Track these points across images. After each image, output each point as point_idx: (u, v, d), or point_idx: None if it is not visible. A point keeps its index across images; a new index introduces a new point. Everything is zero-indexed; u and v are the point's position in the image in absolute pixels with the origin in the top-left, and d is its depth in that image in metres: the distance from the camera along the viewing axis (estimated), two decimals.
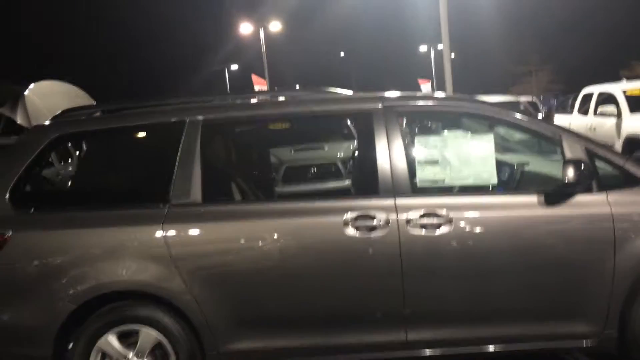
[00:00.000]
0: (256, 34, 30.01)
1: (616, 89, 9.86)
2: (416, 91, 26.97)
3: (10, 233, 3.14)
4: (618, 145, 9.20)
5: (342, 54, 62.00)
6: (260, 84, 26.97)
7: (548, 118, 10.91)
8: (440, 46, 15.25)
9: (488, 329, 3.13)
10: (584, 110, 10.78)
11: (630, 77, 13.80)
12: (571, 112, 11.37)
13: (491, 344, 3.15)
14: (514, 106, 11.06)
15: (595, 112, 10.19)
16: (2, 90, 3.63)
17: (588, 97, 10.78)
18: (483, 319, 3.12)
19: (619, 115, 9.38)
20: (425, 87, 32.30)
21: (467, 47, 45.59)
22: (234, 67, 45.22)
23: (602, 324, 3.10)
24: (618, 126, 9.29)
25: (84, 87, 5.75)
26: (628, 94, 9.57)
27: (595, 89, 10.68)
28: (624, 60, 25.23)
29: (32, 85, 3.58)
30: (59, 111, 3.63)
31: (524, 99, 15.60)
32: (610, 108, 9.54)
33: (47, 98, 3.68)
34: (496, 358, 3.42)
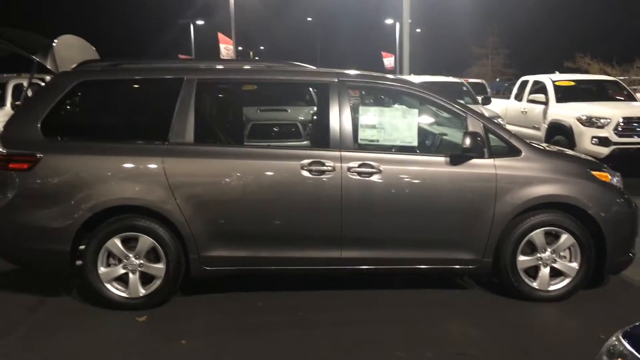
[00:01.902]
0: None
1: (547, 79, 11.14)
2: (380, 63, 27.82)
3: (41, 155, 4.04)
4: (543, 129, 10.52)
5: (309, 19, 62.24)
6: (226, 43, 27.31)
7: (487, 100, 12.11)
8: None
9: (401, 253, 4.25)
10: (520, 96, 12.05)
11: (573, 70, 15.17)
12: (509, 97, 12.65)
13: (403, 264, 4.29)
14: (457, 87, 12.18)
15: (528, 99, 11.48)
16: (35, 40, 4.41)
17: (524, 85, 12.05)
18: (398, 245, 4.24)
19: (546, 103, 10.67)
20: (388, 60, 33.26)
21: (434, 23, 46.61)
22: (200, 22, 44.93)
23: (482, 254, 4.28)
24: (545, 112, 10.60)
25: None
26: (557, 84, 10.87)
27: (530, 78, 11.95)
28: (570, 52, 26.87)
29: (58, 38, 4.38)
30: (78, 62, 4.50)
31: (470, 80, 16.84)
32: (540, 96, 10.82)
33: (69, 49, 4.45)
34: (405, 274, 4.58)
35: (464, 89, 12.18)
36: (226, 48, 26.97)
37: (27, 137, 4.11)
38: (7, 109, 9.11)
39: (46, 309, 4.23)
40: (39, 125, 4.11)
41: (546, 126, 10.41)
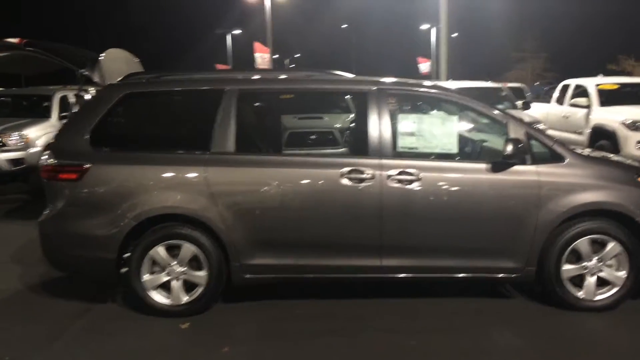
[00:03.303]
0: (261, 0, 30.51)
1: (590, 82, 10.87)
2: (415, 68, 27.68)
3: (89, 165, 4.17)
4: (586, 133, 10.27)
5: (344, 25, 62.47)
6: (262, 52, 27.62)
7: (527, 105, 11.90)
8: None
9: (442, 261, 4.22)
10: (561, 100, 11.80)
11: (616, 72, 14.76)
12: (549, 101, 12.40)
13: (443, 273, 4.25)
14: (495, 91, 12.01)
15: (570, 103, 11.22)
16: (84, 54, 4.59)
17: (566, 88, 11.79)
18: (439, 253, 4.21)
19: (589, 106, 10.41)
20: (425, 65, 33.01)
21: (470, 27, 46.12)
22: (237, 32, 45.61)
23: (525, 262, 4.20)
24: (587, 116, 10.34)
25: None
26: (600, 88, 10.60)
27: (572, 82, 11.69)
28: (612, 55, 26.17)
29: (105, 52, 4.54)
30: (124, 74, 4.65)
31: (509, 85, 16.57)
32: (582, 100, 10.58)
33: (114, 63, 4.61)
34: (446, 283, 4.53)
35: (503, 94, 12.00)
36: (262, 57, 27.27)
37: (76, 148, 4.25)
38: (53, 121, 9.41)
39: (92, 315, 4.35)
40: (87, 136, 4.25)
41: (589, 131, 10.17)
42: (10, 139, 8.68)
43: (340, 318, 4.18)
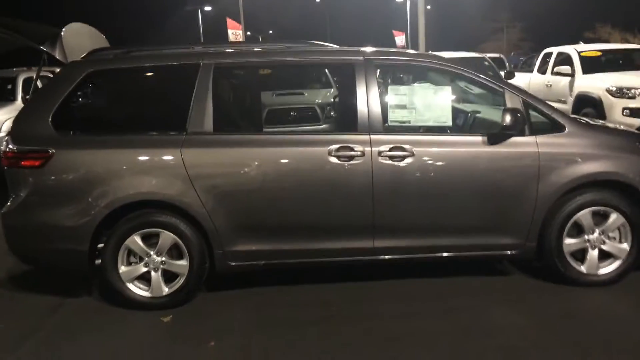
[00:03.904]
0: None
1: (572, 50, 10.69)
2: (390, 42, 27.44)
3: (53, 150, 3.82)
4: (570, 102, 10.12)
5: (317, 0, 61.45)
6: (234, 28, 26.95)
7: (510, 74, 11.69)
8: None
9: (438, 240, 3.99)
10: (543, 69, 11.61)
11: (593, 40, 14.65)
12: (532, 70, 12.22)
13: (440, 252, 4.03)
14: (479, 62, 11.78)
15: (552, 71, 11.05)
16: (43, 30, 4.16)
17: (548, 57, 11.60)
18: (434, 232, 3.98)
19: (572, 74, 10.24)
20: (400, 39, 32.65)
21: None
22: (208, 8, 44.49)
23: (525, 238, 4.00)
24: (571, 85, 10.18)
25: None
26: (582, 55, 10.43)
27: (554, 50, 11.50)
28: (590, 23, 26.08)
29: (66, 27, 4.13)
30: (87, 51, 4.26)
31: (490, 55, 16.37)
32: (565, 68, 10.40)
33: (77, 38, 4.20)
34: (442, 262, 4.32)
35: (486, 64, 11.77)
36: (234, 33, 26.63)
37: (37, 133, 3.89)
38: (18, 104, 8.92)
39: (66, 310, 4.04)
40: (49, 119, 3.88)
41: (573, 99, 10.01)
42: None
43: (333, 304, 3.94)
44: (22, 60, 9.03)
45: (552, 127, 4.01)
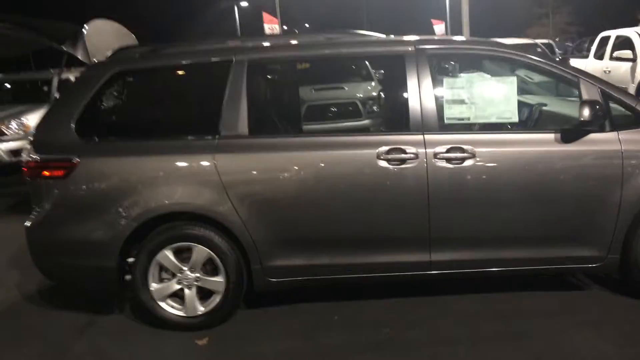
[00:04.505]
0: None
1: (633, 33, 9.91)
2: (429, 32, 26.71)
3: (77, 159, 3.51)
4: (632, 89, 9.37)
5: None
6: (271, 23, 26.65)
7: (564, 61, 10.96)
8: None
9: (503, 253, 3.51)
10: (600, 54, 10.85)
11: None
12: (587, 55, 11.44)
13: (506, 266, 3.54)
14: (531, 48, 11.08)
15: (611, 56, 10.28)
16: (62, 28, 3.86)
17: (605, 41, 10.83)
18: (500, 244, 3.50)
19: (634, 59, 9.48)
20: (439, 28, 31.71)
21: None
22: (244, 3, 44.30)
23: (607, 250, 3.48)
24: (633, 70, 9.42)
25: None
26: None
27: (612, 33, 10.72)
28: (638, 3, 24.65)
29: (88, 24, 3.83)
30: (113, 49, 3.93)
31: (540, 41, 15.53)
32: (627, 52, 9.64)
33: (101, 36, 3.92)
34: (508, 277, 3.83)
35: (539, 50, 11.07)
36: (271, 28, 26.34)
37: (61, 140, 3.59)
38: None
39: (95, 330, 3.75)
40: (73, 125, 3.58)
41: (636, 85, 9.25)
42: (10, 127, 8.09)
43: (388, 325, 3.51)
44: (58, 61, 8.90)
45: (636, 121, 3.47)
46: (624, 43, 9.93)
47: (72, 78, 9.40)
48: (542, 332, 3.32)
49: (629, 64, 9.54)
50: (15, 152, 8.07)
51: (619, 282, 3.72)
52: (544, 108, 4.02)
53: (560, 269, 3.61)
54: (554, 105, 3.99)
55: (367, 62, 8.40)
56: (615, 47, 10.18)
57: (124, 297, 4.00)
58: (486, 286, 3.87)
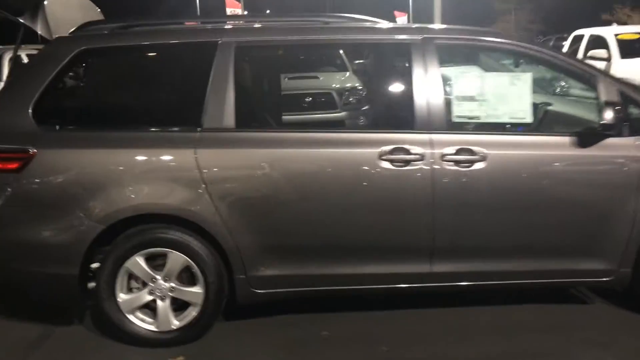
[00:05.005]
0: None
1: (608, 32, 9.91)
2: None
3: (35, 150, 3.03)
4: None
5: None
6: (234, 7, 25.89)
7: None
8: None
9: (512, 264, 3.24)
10: (572, 53, 10.82)
11: (612, 22, 13.86)
12: None
13: (513, 279, 3.28)
14: None
15: (585, 55, 10.25)
16: None
17: (578, 39, 10.81)
18: (508, 254, 3.22)
19: (609, 59, 9.46)
20: (402, 20, 31.65)
21: None
22: None
23: (618, 262, 3.25)
24: (607, 69, 9.39)
25: None
26: (619, 38, 9.63)
27: (586, 32, 10.70)
28: (606, 4, 25.11)
29: None
30: (77, 24, 3.44)
31: None
32: (601, 51, 9.61)
33: (65, 9, 3.41)
34: (513, 290, 3.57)
35: None
36: (233, 12, 25.61)
37: (15, 127, 3.10)
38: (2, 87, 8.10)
39: (52, 344, 3.29)
40: (30, 110, 3.09)
41: None
42: None
43: (382, 341, 3.19)
44: (8, 36, 8.17)
45: None
46: (598, 42, 9.91)
47: (24, 56, 8.67)
48: (549, 352, 3.07)
49: (603, 64, 9.51)
50: None
51: (622, 295, 3.51)
52: (549, 108, 3.76)
53: (568, 283, 3.39)
54: (560, 106, 3.74)
55: (341, 52, 8.05)
56: (589, 46, 10.16)
57: (84, 304, 3.54)
58: (483, 299, 3.59)
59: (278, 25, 3.52)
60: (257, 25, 3.52)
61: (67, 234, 3.06)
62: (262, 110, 3.54)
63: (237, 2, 26.53)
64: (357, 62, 8.05)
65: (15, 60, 3.51)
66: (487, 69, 4.08)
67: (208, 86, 3.13)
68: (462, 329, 3.33)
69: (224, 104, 3.12)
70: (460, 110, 3.22)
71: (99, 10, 3.96)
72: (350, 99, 7.00)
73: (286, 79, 6.97)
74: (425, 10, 14.55)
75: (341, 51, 8.16)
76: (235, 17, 3.06)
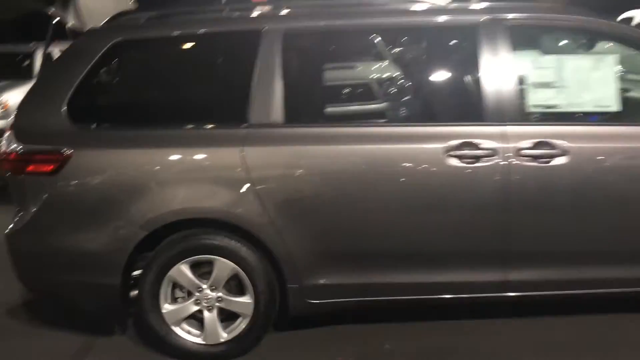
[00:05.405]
0: None
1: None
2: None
3: (70, 150, 2.80)
4: None
5: None
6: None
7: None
8: None
9: (598, 272, 2.89)
10: None
11: None
12: None
13: (598, 287, 2.93)
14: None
15: None
16: None
17: (626, 22, 10.19)
18: (594, 261, 2.88)
19: None
20: None
21: None
22: None
23: None
24: None
25: None
26: None
27: (636, 13, 10.06)
28: None
29: None
30: (111, 15, 3.21)
31: None
32: None
33: None
34: (594, 299, 3.21)
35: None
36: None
37: (49, 127, 2.88)
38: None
39: (94, 357, 3.08)
40: (63, 108, 2.86)
41: None
42: None
43: (463, 354, 2.88)
44: (39, 31, 8.04)
45: None
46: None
47: (56, 52, 8.55)
48: None
49: None
50: None
51: None
52: (629, 94, 3.36)
53: None
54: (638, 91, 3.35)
55: (379, 38, 7.62)
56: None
57: (126, 312, 3.31)
58: (564, 309, 3.23)
59: (331, 10, 3.20)
60: (305, 10, 3.21)
61: (105, 241, 2.84)
62: (312, 103, 3.24)
63: None
64: (398, 49, 7.63)
65: (47, 57, 3.30)
66: (546, 52, 3.71)
67: (253, 78, 2.85)
68: (543, 343, 2.98)
69: (271, 98, 2.84)
70: (537, 99, 2.87)
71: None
72: (404, 89, 6.54)
73: (342, 68, 6.58)
74: None
75: (379, 38, 7.77)
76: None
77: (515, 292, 2.92)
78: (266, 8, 3.32)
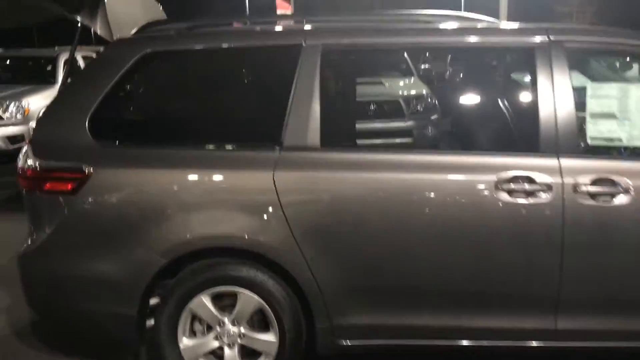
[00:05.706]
0: None
1: None
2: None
3: (91, 169, 2.61)
4: None
5: None
6: (284, 9, 25.64)
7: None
8: None
9: None
10: None
11: None
12: None
13: None
14: None
15: None
16: None
17: None
18: None
19: None
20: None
21: None
22: None
23: None
24: None
25: None
26: None
27: None
28: None
29: None
30: (140, 25, 3.03)
31: None
32: None
33: (127, 7, 3.03)
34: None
35: None
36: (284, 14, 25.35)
37: (70, 142, 2.70)
38: (58, 88, 7.93)
39: None
40: (86, 123, 2.68)
41: None
42: (7, 110, 7.18)
43: None
44: (63, 36, 7.97)
45: None
46: None
47: (79, 59, 8.47)
48: None
49: None
50: (13, 139, 7.18)
51: None
52: None
53: None
54: None
55: (405, 55, 7.41)
56: None
57: (140, 339, 3.10)
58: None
59: (373, 26, 2.99)
60: (346, 25, 3.00)
61: (123, 268, 2.64)
62: (350, 126, 3.03)
63: (287, 4, 26.30)
64: (445, 71, 7.34)
65: (72, 63, 3.13)
66: (593, 77, 3.47)
67: (290, 97, 2.64)
68: None
69: (308, 119, 2.63)
70: (597, 131, 2.63)
71: (161, 8, 3.53)
72: (449, 113, 6.22)
73: (384, 91, 6.32)
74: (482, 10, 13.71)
75: (405, 54, 7.55)
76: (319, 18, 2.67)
77: (566, 342, 2.66)
78: (292, 21, 3.14)
